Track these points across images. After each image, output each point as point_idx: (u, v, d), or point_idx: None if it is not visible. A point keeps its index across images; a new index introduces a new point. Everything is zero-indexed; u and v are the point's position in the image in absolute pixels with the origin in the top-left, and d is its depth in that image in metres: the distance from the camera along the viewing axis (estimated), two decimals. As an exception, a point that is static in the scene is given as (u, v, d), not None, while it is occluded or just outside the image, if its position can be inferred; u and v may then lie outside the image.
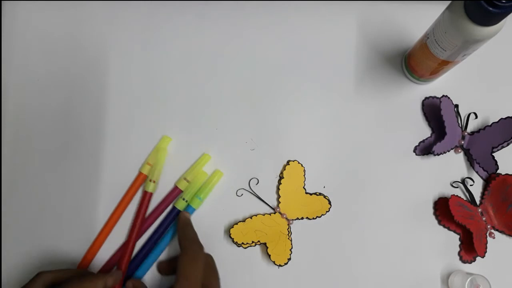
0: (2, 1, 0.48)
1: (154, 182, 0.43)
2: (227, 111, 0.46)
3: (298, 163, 0.45)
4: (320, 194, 0.45)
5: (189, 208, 0.44)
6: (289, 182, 0.45)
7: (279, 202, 0.45)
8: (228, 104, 0.47)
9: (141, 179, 0.44)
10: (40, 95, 0.46)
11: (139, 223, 0.43)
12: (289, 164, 0.45)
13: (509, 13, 0.32)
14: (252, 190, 0.45)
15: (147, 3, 0.48)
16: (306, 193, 0.45)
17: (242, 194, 0.45)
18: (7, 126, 0.45)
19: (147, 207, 0.43)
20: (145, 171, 0.44)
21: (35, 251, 0.43)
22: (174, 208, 0.44)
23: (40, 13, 0.48)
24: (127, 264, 0.42)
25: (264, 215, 0.44)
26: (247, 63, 0.47)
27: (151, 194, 0.43)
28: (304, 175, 0.45)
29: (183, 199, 0.43)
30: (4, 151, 0.45)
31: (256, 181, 0.45)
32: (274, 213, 0.44)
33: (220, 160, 0.45)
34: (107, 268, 0.43)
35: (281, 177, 0.45)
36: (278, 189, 0.45)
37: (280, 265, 0.43)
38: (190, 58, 0.47)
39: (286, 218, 0.44)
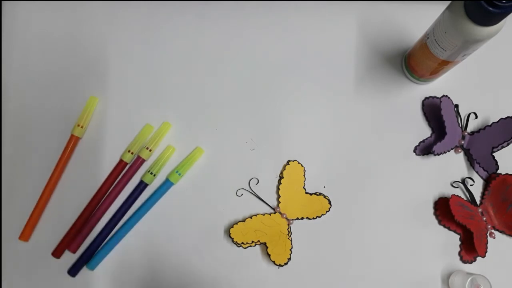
0: (2, 1, 0.48)
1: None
2: (227, 111, 0.46)
3: (298, 163, 0.45)
4: (320, 194, 0.45)
5: (167, 183, 0.44)
6: (289, 182, 0.45)
7: (279, 202, 0.45)
8: (228, 104, 0.47)
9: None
10: (40, 95, 0.46)
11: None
12: (289, 164, 0.45)
13: (509, 13, 0.32)
14: (252, 190, 0.45)
15: (147, 3, 0.48)
16: (306, 193, 0.45)
17: (242, 194, 0.45)
18: (7, 126, 0.45)
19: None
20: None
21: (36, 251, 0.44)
22: (141, 182, 0.44)
23: (40, 13, 0.48)
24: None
25: (264, 215, 0.44)
26: (247, 63, 0.47)
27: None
28: (304, 175, 0.45)
29: (150, 172, 0.44)
30: (4, 151, 0.45)
31: (256, 181, 0.45)
32: (274, 213, 0.44)
33: (220, 160, 0.45)
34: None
35: (281, 177, 0.45)
36: (278, 189, 0.45)
37: (280, 265, 0.43)
38: (190, 58, 0.47)
39: (286, 218, 0.44)
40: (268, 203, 0.45)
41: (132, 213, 0.44)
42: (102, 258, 0.43)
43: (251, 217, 0.44)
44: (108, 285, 0.43)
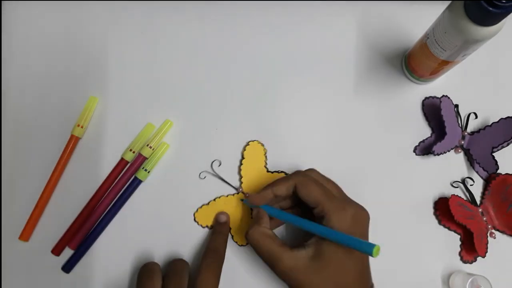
0: (2, 1, 0.48)
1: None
2: (227, 112, 0.46)
3: (259, 143, 0.45)
4: (281, 171, 0.45)
5: (136, 180, 0.44)
6: (250, 162, 0.45)
7: (241, 183, 0.45)
8: (228, 105, 0.47)
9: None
10: (40, 95, 0.46)
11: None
12: (249, 145, 0.45)
13: (509, 13, 0.32)
14: (215, 172, 0.45)
15: (147, 3, 0.48)
16: (268, 171, 0.45)
17: (205, 177, 0.45)
18: (7, 126, 0.45)
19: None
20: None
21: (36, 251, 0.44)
22: (135, 178, 0.44)
23: (40, 13, 0.48)
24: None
25: (227, 196, 0.44)
26: (247, 63, 0.47)
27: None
28: (265, 154, 0.45)
29: (144, 169, 0.44)
30: (4, 151, 0.45)
31: (219, 163, 0.45)
32: (238, 193, 0.45)
33: (219, 160, 0.45)
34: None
35: (242, 158, 0.45)
36: (240, 169, 0.45)
37: (242, 245, 0.43)
38: (189, 58, 0.47)
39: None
40: (231, 184, 0.45)
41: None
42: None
43: (214, 200, 0.44)
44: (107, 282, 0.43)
